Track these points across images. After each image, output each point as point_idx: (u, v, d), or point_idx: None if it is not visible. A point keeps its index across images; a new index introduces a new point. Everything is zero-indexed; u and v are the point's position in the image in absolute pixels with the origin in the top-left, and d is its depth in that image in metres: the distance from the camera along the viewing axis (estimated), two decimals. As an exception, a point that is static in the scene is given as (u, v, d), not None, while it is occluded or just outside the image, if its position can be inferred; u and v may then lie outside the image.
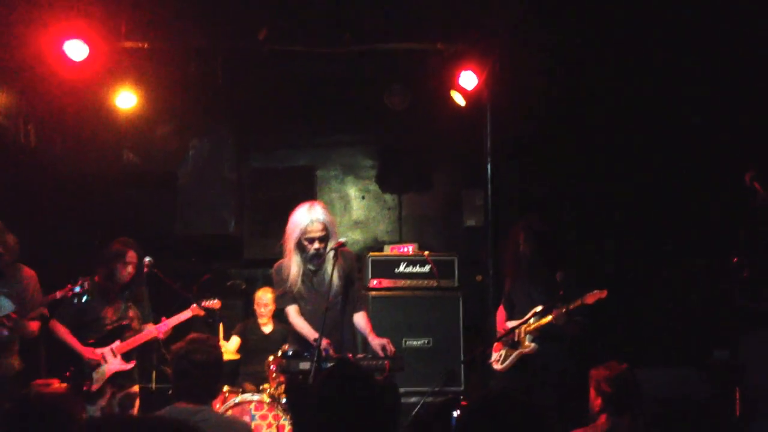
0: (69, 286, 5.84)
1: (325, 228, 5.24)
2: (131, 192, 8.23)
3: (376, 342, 5.19)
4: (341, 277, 5.31)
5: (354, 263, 5.55)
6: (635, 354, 6.17)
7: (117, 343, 6.13)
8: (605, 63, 7.32)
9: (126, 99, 7.45)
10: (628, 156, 7.47)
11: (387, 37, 7.22)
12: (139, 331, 6.24)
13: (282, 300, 5.44)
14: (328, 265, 5.24)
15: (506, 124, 7.43)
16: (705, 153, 7.01)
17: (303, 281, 5.33)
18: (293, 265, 5.31)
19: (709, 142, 6.98)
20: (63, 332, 6.10)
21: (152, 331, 6.20)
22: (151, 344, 6.47)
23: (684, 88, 7.11)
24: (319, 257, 5.24)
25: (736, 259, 4.70)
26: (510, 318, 6.03)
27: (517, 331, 5.81)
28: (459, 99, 7.37)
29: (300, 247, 5.28)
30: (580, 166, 7.69)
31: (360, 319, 5.43)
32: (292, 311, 5.36)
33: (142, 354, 6.45)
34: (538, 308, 5.70)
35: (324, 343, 4.80)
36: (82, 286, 5.80)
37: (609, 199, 7.61)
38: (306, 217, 5.23)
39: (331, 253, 5.25)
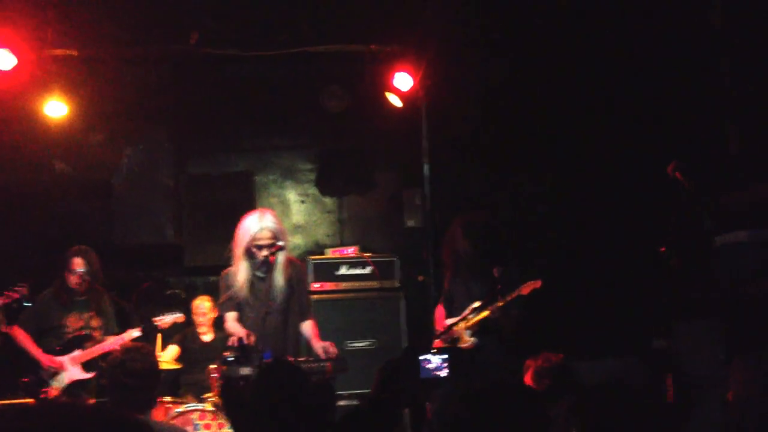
0: (6, 293, 5.83)
1: (275, 236, 5.26)
2: (65, 202, 8.06)
3: (318, 345, 5.23)
4: (288, 285, 5.33)
5: (303, 274, 5.69)
6: (575, 345, 6.28)
7: (77, 352, 6.11)
8: (540, 60, 7.42)
9: (56, 108, 7.30)
10: (563, 152, 7.59)
11: (321, 40, 7.21)
12: (101, 341, 6.19)
13: (223, 306, 5.45)
14: (277, 274, 5.26)
15: (443, 123, 7.49)
16: (635, 146, 7.16)
17: (250, 288, 5.35)
18: (241, 272, 5.32)
19: (639, 135, 7.13)
20: (23, 338, 6.11)
21: (116, 341, 6.12)
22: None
23: (615, 83, 7.25)
24: (267, 264, 5.24)
25: (663, 249, 4.81)
26: (449, 315, 6.07)
27: (455, 327, 5.85)
28: (395, 100, 7.40)
29: (249, 254, 5.30)
30: (516, 163, 7.78)
31: (307, 327, 5.47)
32: (230, 317, 5.36)
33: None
34: (476, 304, 5.75)
35: (244, 332, 4.83)
36: (20, 292, 5.80)
37: (544, 195, 7.72)
38: (256, 224, 5.26)
39: (280, 261, 5.26)
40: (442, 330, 5.96)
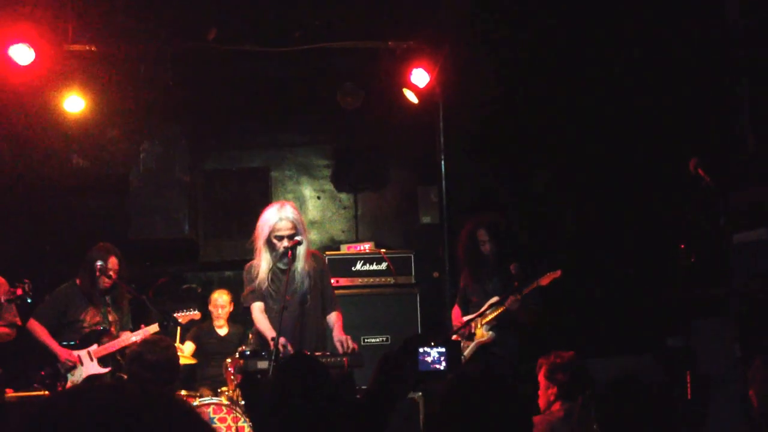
0: (10, 289, 5.87)
1: (295, 227, 5.29)
2: (82, 197, 8.12)
3: (336, 339, 5.24)
4: (310, 278, 5.36)
5: (326, 266, 5.66)
6: (590, 343, 6.27)
7: (94, 346, 6.15)
8: (556, 55, 7.40)
9: (74, 103, 7.34)
10: (580, 148, 7.56)
11: (337, 36, 7.21)
12: (116, 336, 6.23)
13: (248, 297, 5.47)
14: (298, 265, 5.28)
15: (459, 120, 7.48)
16: (653, 143, 7.13)
17: (272, 280, 5.37)
18: (263, 263, 5.35)
19: (657, 132, 7.10)
20: (40, 332, 6.14)
21: (130, 337, 6.17)
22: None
23: (633, 80, 7.22)
24: (287, 255, 5.25)
25: (683, 246, 4.79)
26: (465, 313, 6.08)
27: (472, 323, 5.86)
28: (411, 97, 7.40)
29: (269, 245, 5.32)
30: (532, 159, 7.77)
31: (331, 319, 5.49)
32: (257, 308, 5.38)
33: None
34: (494, 299, 5.75)
35: (281, 340, 4.81)
36: (22, 289, 5.83)
37: (561, 192, 7.70)
38: (275, 215, 5.29)
39: (301, 253, 5.27)
40: (458, 325, 5.97)
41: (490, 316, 5.81)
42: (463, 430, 2.07)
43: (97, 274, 6.20)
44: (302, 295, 5.33)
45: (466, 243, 6.20)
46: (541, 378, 4.46)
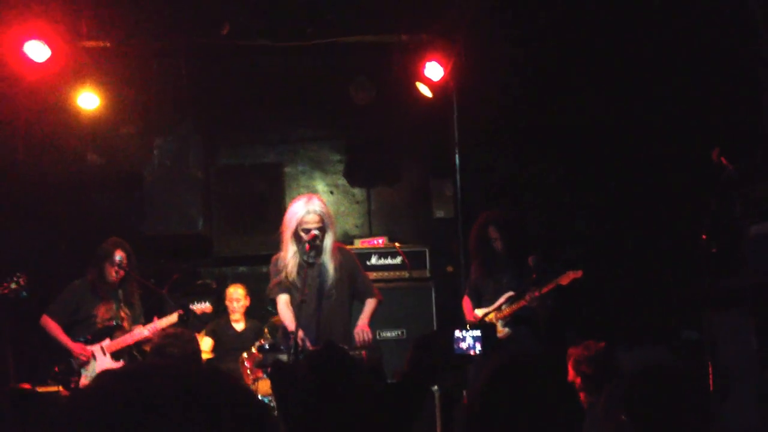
0: (5, 284, 5.90)
1: (322, 220, 5.30)
2: (96, 193, 8.15)
3: (356, 330, 5.28)
4: (336, 271, 5.37)
5: (354, 259, 5.65)
6: (606, 335, 6.26)
7: (107, 341, 6.16)
8: (571, 48, 7.38)
9: (88, 99, 7.37)
10: (595, 140, 7.54)
11: (350, 30, 7.21)
12: (129, 331, 6.25)
13: (273, 290, 5.48)
14: (324, 258, 5.29)
15: (473, 113, 7.47)
16: (671, 132, 7.10)
17: (299, 272, 5.37)
18: (290, 255, 5.37)
19: (675, 121, 7.08)
20: (54, 328, 6.15)
21: (143, 331, 6.19)
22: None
23: (651, 69, 7.20)
24: (314, 249, 5.26)
25: (705, 237, 4.77)
26: (477, 306, 6.07)
27: (488, 317, 5.85)
28: (425, 90, 7.39)
29: (296, 237, 5.33)
30: (548, 152, 7.75)
31: (365, 306, 5.54)
32: (282, 300, 5.40)
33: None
34: (510, 294, 5.74)
35: (300, 334, 4.82)
36: (17, 282, 5.87)
37: (577, 184, 7.68)
38: (303, 208, 5.31)
39: (328, 246, 5.30)
40: (473, 321, 5.97)
41: (507, 312, 5.80)
42: (512, 417, 2.02)
43: (107, 268, 6.22)
44: (328, 289, 5.32)
45: (476, 239, 6.19)
46: (569, 367, 4.46)
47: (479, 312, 5.99)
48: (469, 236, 6.48)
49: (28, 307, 6.38)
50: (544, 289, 5.64)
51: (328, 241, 5.34)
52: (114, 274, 6.25)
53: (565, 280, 5.56)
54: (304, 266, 5.35)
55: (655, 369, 2.73)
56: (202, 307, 6.67)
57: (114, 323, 6.24)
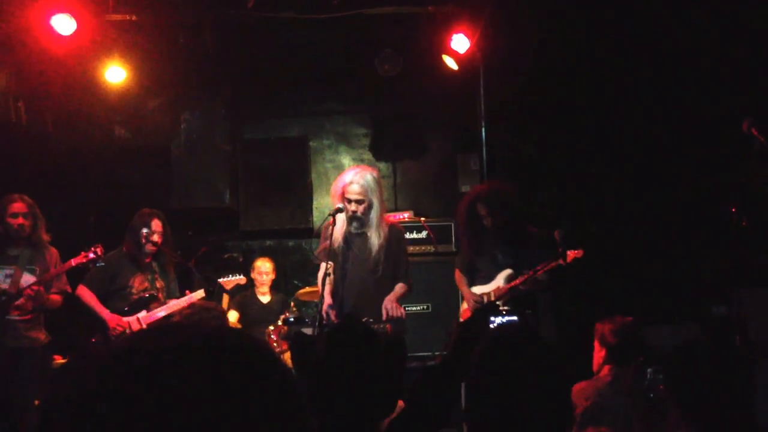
0: (83, 253, 5.98)
1: (365, 192, 5.24)
2: (124, 167, 8.21)
3: (384, 303, 5.22)
4: (381, 247, 5.31)
5: (402, 240, 5.55)
6: (634, 312, 6.21)
7: (143, 312, 6.19)
8: (599, 22, 7.27)
9: (115, 73, 7.39)
10: (623, 113, 7.45)
11: (377, 2, 7.14)
12: (165, 302, 6.28)
13: (320, 255, 5.44)
14: (371, 232, 5.27)
15: (500, 86, 7.39)
16: (700, 102, 6.99)
17: (345, 241, 5.35)
18: (339, 222, 5.34)
19: (704, 92, 6.96)
20: (90, 298, 6.18)
21: (180, 302, 6.21)
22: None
23: (683, 42, 7.08)
24: (356, 220, 5.25)
25: (734, 210, 4.69)
26: (473, 283, 5.98)
27: (485, 296, 5.79)
28: (451, 63, 7.32)
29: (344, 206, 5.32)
30: (575, 126, 7.67)
31: (396, 287, 5.43)
32: (322, 269, 5.34)
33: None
34: (508, 272, 5.69)
35: (324, 307, 4.82)
36: (95, 253, 5.94)
37: (604, 158, 7.60)
38: (349, 176, 5.28)
39: (374, 220, 5.27)
40: (473, 299, 5.87)
41: (503, 290, 5.73)
42: (500, 388, 2.09)
43: (143, 239, 6.23)
44: (373, 262, 5.28)
45: (465, 216, 6.01)
46: (595, 341, 4.44)
47: (477, 290, 5.91)
48: (456, 215, 6.33)
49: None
50: (540, 271, 5.53)
51: (374, 215, 5.27)
52: (150, 244, 6.26)
53: (567, 259, 5.45)
54: (350, 237, 5.32)
55: (693, 345, 2.72)
56: (235, 279, 6.72)
57: (149, 294, 6.26)
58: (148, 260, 6.35)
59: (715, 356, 2.62)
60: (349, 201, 5.23)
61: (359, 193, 5.22)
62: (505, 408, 2.09)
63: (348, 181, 5.24)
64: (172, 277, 6.53)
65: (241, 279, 6.71)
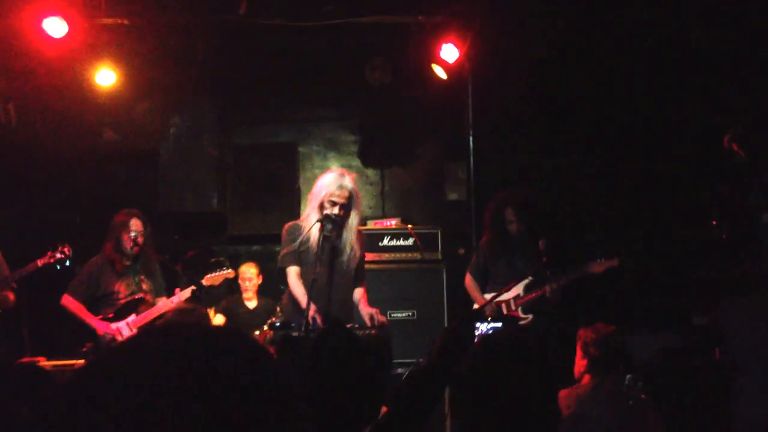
0: (49, 253, 5.92)
1: (350, 197, 5.24)
2: (112, 169, 8.22)
3: (365, 311, 5.22)
4: (353, 251, 5.34)
5: (363, 243, 5.58)
6: (617, 320, 6.27)
7: (132, 317, 6.08)
8: (587, 32, 7.36)
9: (106, 76, 7.41)
10: (610, 125, 7.53)
11: (367, 10, 7.20)
12: (153, 304, 6.19)
13: (285, 259, 5.37)
14: (348, 237, 5.27)
15: (488, 96, 7.45)
16: (685, 118, 7.08)
17: (321, 246, 5.23)
18: (313, 227, 5.24)
19: (691, 107, 7.05)
20: (76, 307, 6.06)
21: (167, 303, 6.14)
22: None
23: (665, 55, 7.17)
24: (336, 224, 5.20)
25: (715, 223, 4.77)
26: (483, 288, 6.04)
27: (504, 303, 5.84)
28: (440, 72, 7.38)
29: (322, 209, 5.25)
30: (562, 135, 7.74)
31: (358, 293, 5.45)
32: (293, 273, 5.31)
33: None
34: (528, 280, 5.74)
35: (311, 311, 4.83)
36: (62, 252, 5.86)
37: (590, 169, 7.68)
38: (335, 181, 5.23)
39: (353, 225, 5.28)
40: (484, 303, 5.94)
41: (525, 299, 5.78)
42: (487, 391, 2.13)
43: (124, 239, 6.14)
44: (346, 267, 5.30)
45: (492, 219, 6.11)
46: (577, 348, 4.49)
47: (488, 296, 5.97)
48: (482, 219, 6.43)
49: (46, 281, 6.45)
50: (568, 280, 5.58)
51: (354, 220, 5.29)
52: (130, 244, 6.15)
53: (598, 267, 5.48)
54: (324, 241, 5.26)
55: (677, 352, 2.77)
56: (223, 273, 6.61)
57: (137, 297, 6.16)
58: (131, 263, 6.25)
59: (693, 363, 2.67)
60: (334, 204, 5.20)
61: (346, 198, 5.22)
62: (493, 412, 2.12)
63: (336, 185, 5.20)
64: (159, 275, 6.43)
65: (229, 273, 6.63)
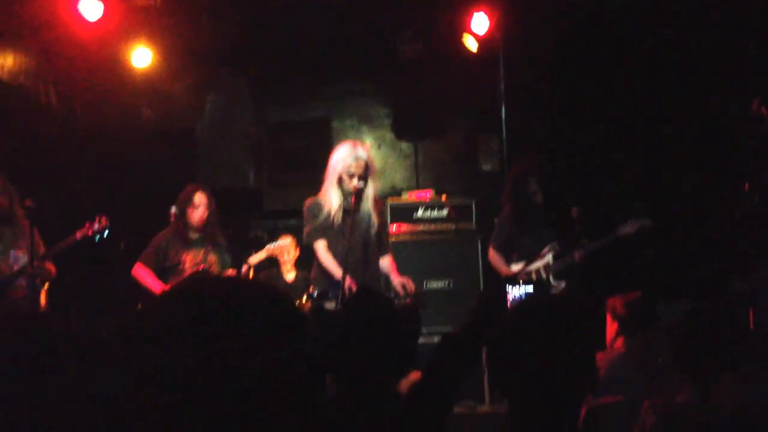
0: (87, 224, 6.01)
1: (366, 167, 5.29)
2: (151, 149, 8.34)
3: (397, 281, 5.29)
4: (376, 219, 5.39)
5: (385, 210, 5.63)
6: (653, 286, 6.28)
7: None
8: (623, 3, 7.29)
9: (141, 56, 7.52)
10: (642, 95, 7.48)
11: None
12: (219, 275, 6.26)
13: (310, 235, 5.44)
14: (366, 206, 5.33)
15: (520, 67, 7.44)
16: (716, 84, 7.01)
17: (343, 219, 5.34)
18: (334, 200, 5.31)
19: (720, 73, 6.98)
20: (147, 275, 6.20)
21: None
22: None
23: (695, 23, 7.09)
24: (358, 195, 5.25)
25: (746, 187, 4.75)
26: (509, 261, 6.03)
27: (534, 271, 5.86)
28: (471, 44, 7.38)
29: (340, 182, 5.31)
30: (594, 106, 7.71)
31: (386, 263, 5.51)
32: (321, 246, 5.38)
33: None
34: (552, 245, 5.76)
35: (347, 281, 4.90)
36: (100, 222, 5.96)
37: (623, 138, 7.64)
38: (351, 153, 5.27)
39: (370, 194, 5.33)
40: (511, 274, 5.94)
41: (557, 264, 5.79)
42: (528, 353, 2.14)
43: (189, 213, 6.23)
44: (369, 236, 5.35)
45: (514, 191, 6.06)
46: (607, 316, 4.54)
47: (515, 267, 5.96)
48: (504, 186, 6.37)
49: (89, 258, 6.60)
50: (600, 245, 5.57)
51: (371, 190, 5.35)
52: (198, 217, 6.24)
53: (630, 229, 5.45)
54: (346, 213, 5.34)
55: (695, 313, 2.81)
56: (281, 243, 6.71)
57: (202, 268, 6.24)
58: (198, 235, 6.33)
59: (719, 324, 2.70)
60: (352, 176, 5.24)
61: (364, 168, 5.26)
62: (534, 372, 2.13)
63: (352, 157, 5.24)
64: (225, 247, 6.49)
65: (285, 241, 6.69)
